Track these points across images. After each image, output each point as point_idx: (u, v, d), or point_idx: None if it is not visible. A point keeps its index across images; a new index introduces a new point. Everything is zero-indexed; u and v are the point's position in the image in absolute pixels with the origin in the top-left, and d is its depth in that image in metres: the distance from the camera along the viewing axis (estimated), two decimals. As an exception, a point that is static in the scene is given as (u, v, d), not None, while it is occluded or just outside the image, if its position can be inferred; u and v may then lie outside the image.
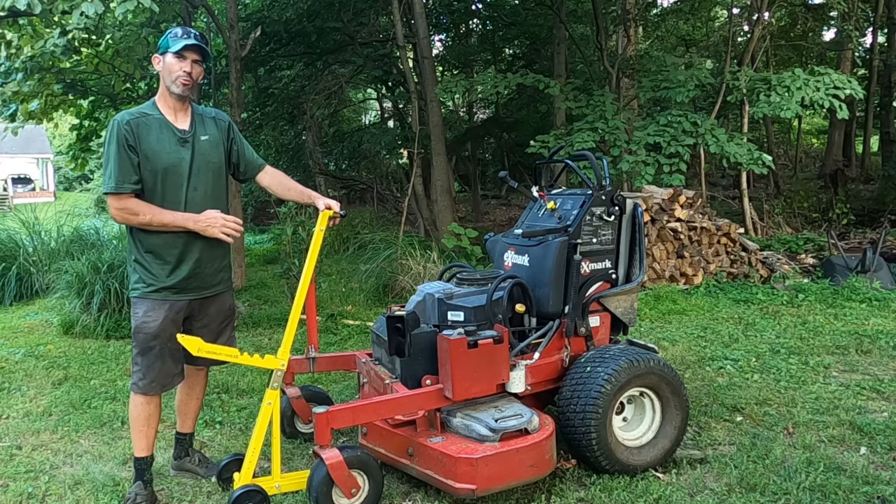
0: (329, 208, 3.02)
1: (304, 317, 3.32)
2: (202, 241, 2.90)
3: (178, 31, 2.89)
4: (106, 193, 2.82)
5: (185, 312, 2.94)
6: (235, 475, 2.86)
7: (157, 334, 2.85)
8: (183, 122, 2.93)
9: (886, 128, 15.68)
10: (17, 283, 7.90)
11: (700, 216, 7.44)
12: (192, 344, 2.72)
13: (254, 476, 2.80)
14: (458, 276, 3.48)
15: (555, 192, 3.71)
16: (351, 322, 6.23)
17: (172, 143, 2.87)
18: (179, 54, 2.83)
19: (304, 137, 14.73)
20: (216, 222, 2.85)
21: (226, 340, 3.10)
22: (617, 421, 3.08)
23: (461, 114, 19.51)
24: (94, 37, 7.50)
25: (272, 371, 2.85)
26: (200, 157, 2.93)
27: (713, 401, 3.91)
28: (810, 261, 8.47)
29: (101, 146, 2.87)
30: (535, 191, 3.68)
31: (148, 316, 2.85)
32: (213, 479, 3.10)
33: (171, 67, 2.85)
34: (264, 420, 2.81)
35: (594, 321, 3.31)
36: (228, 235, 2.88)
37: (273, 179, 3.21)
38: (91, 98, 9.99)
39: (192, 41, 2.84)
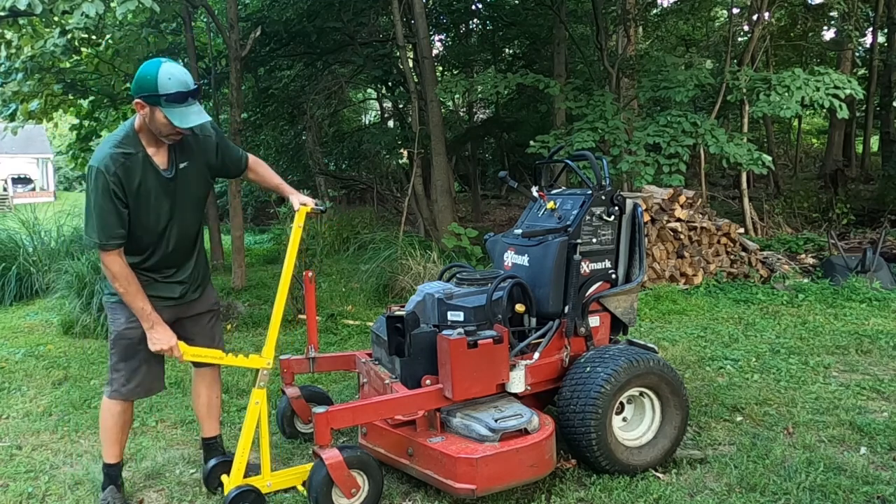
0: (304, 205, 3.00)
1: (305, 317, 3.32)
2: (177, 257, 2.85)
3: (176, 91, 2.54)
4: (90, 246, 2.73)
5: (165, 316, 2.82)
6: (224, 478, 2.86)
7: (141, 338, 2.76)
8: (164, 155, 2.73)
9: (886, 128, 15.69)
10: (17, 283, 7.90)
11: (700, 216, 7.44)
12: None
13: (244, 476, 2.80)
14: (458, 276, 3.48)
15: (554, 192, 3.70)
16: (351, 322, 6.23)
17: (156, 186, 2.70)
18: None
19: (304, 137, 14.73)
20: (162, 345, 2.70)
21: (219, 340, 3.08)
22: (617, 421, 3.08)
23: (461, 114, 19.50)
24: (94, 37, 7.50)
25: (258, 370, 2.85)
26: (183, 193, 2.79)
27: (713, 401, 3.91)
28: (810, 261, 8.46)
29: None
30: (535, 191, 3.68)
31: (132, 322, 2.76)
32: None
33: (162, 127, 2.62)
34: (252, 420, 2.81)
35: (594, 321, 3.31)
36: (158, 350, 2.73)
37: (256, 174, 3.13)
38: (91, 98, 10.00)
39: (194, 120, 2.60)
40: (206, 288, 3.07)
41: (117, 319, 2.81)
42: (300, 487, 2.93)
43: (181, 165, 2.77)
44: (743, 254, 7.59)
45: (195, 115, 2.61)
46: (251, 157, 3.10)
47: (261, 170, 3.14)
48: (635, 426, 3.15)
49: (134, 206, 2.66)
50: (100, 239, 2.61)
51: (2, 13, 6.32)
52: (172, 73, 2.55)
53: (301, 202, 3.02)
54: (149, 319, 2.70)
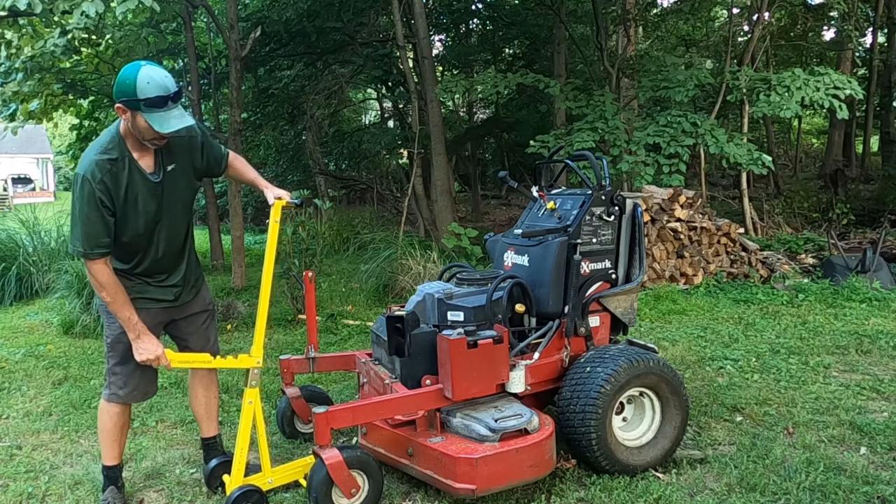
0: (279, 199, 2.95)
1: (305, 317, 3.32)
2: (168, 261, 2.83)
3: (155, 95, 2.47)
4: (75, 255, 2.64)
5: (160, 318, 2.86)
6: (225, 478, 2.86)
7: None
8: (151, 158, 2.70)
9: (886, 128, 15.68)
10: (17, 283, 7.90)
11: (700, 216, 7.45)
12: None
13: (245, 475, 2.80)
14: (458, 276, 3.49)
15: (554, 192, 3.71)
16: (351, 322, 6.23)
17: (144, 191, 2.66)
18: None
19: (304, 137, 14.73)
20: (148, 355, 2.67)
21: (214, 341, 3.07)
22: (617, 421, 3.08)
23: (461, 114, 19.49)
24: (94, 37, 7.50)
25: (248, 370, 2.85)
26: (170, 196, 2.75)
27: (713, 401, 3.91)
28: (810, 261, 8.46)
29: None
30: (535, 191, 3.68)
31: None
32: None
33: (144, 132, 2.56)
34: (247, 419, 2.82)
35: (594, 321, 3.31)
36: (144, 360, 2.69)
37: (234, 170, 3.08)
38: (91, 98, 10.01)
39: (175, 125, 2.52)
40: (201, 289, 3.06)
41: (113, 323, 2.79)
42: (302, 481, 2.94)
43: (168, 168, 2.72)
44: (743, 254, 7.59)
45: (176, 120, 2.54)
46: (231, 154, 3.06)
47: (238, 164, 3.09)
48: (635, 426, 3.15)
49: (121, 211, 2.62)
50: (84, 247, 2.55)
51: (2, 13, 6.33)
52: (151, 77, 2.48)
53: (276, 196, 2.96)
54: (135, 329, 2.66)
